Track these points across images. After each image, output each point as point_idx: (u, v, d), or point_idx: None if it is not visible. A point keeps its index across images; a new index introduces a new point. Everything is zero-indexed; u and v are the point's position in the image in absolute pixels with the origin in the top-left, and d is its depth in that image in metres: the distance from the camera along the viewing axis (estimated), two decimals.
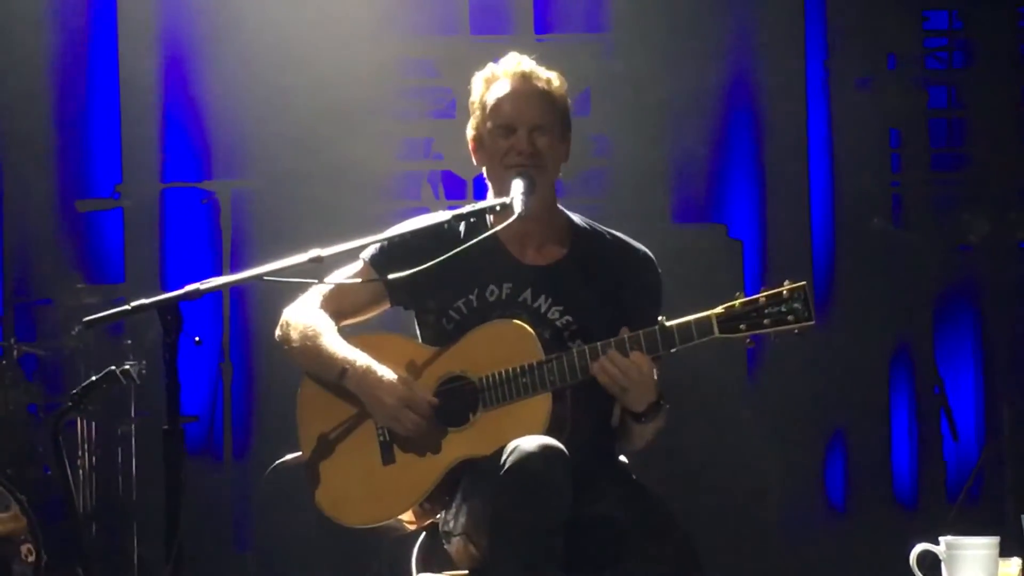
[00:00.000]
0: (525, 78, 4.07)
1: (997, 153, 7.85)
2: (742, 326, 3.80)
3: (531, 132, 4.03)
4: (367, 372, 3.98)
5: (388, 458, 4.01)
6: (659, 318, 3.86)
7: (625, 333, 3.85)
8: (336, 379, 4.02)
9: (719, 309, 3.82)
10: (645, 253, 4.18)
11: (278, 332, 4.18)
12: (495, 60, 4.15)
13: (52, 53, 7.88)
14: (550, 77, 4.10)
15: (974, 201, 7.82)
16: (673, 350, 3.85)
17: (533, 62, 4.12)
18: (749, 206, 7.97)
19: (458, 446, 3.94)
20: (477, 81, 4.13)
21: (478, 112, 4.11)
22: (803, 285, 3.79)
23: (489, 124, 4.07)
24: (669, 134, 7.83)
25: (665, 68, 7.54)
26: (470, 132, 4.14)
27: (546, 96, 4.07)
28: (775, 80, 7.93)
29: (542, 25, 7.98)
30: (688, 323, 3.82)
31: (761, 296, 3.79)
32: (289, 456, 4.16)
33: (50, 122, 7.90)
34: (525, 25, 7.91)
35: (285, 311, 4.18)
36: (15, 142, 7.78)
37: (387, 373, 3.98)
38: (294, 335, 4.11)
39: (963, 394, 8.03)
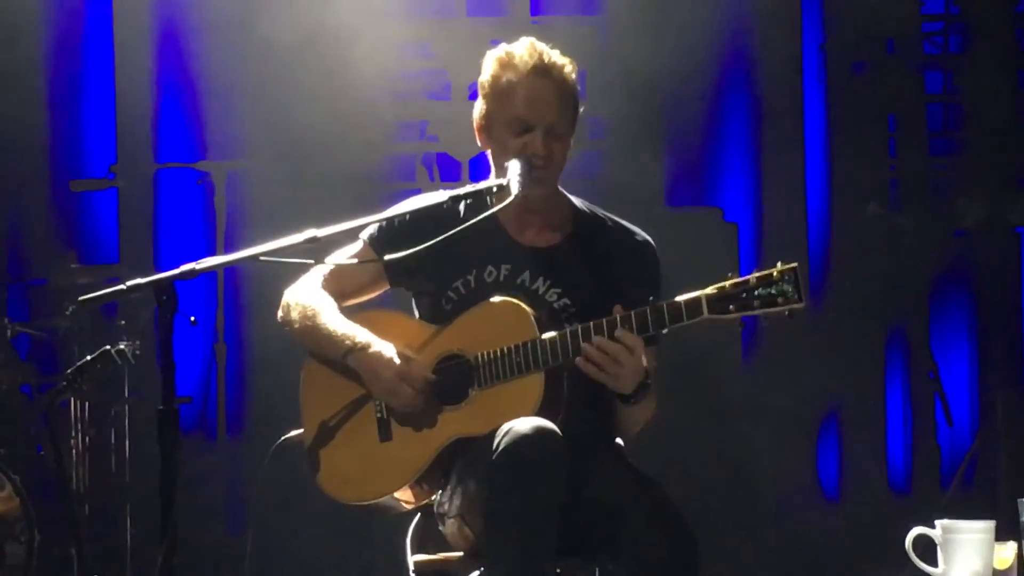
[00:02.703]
0: (543, 72, 3.99)
1: (993, 138, 7.84)
2: (732, 307, 3.76)
3: (547, 135, 3.99)
4: (366, 347, 3.99)
5: (385, 435, 4.02)
6: (650, 298, 3.85)
7: (618, 311, 3.84)
8: (336, 355, 4.03)
9: (710, 290, 3.79)
10: (645, 239, 4.16)
11: (280, 313, 4.18)
12: (494, 42, 4.11)
13: (46, 34, 7.85)
14: (564, 64, 4.03)
15: (970, 186, 7.81)
16: (664, 330, 3.82)
17: (547, 48, 4.03)
18: (744, 190, 7.97)
19: (453, 424, 3.94)
20: (489, 61, 4.05)
21: (488, 95, 4.05)
22: (794, 267, 3.74)
23: (501, 115, 4.01)
24: (664, 117, 7.82)
25: (660, 50, 7.51)
26: (477, 113, 4.08)
27: (562, 92, 4.01)
28: (771, 64, 7.91)
29: (537, 7, 7.96)
30: (678, 303, 3.80)
31: (752, 277, 3.76)
32: (292, 432, 4.17)
33: (44, 102, 7.88)
34: (521, 7, 7.89)
35: (286, 292, 4.18)
36: (9, 122, 7.75)
37: (386, 348, 3.98)
38: (295, 315, 4.12)
39: (957, 379, 8.03)
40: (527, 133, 3.99)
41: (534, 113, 3.99)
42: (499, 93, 4.02)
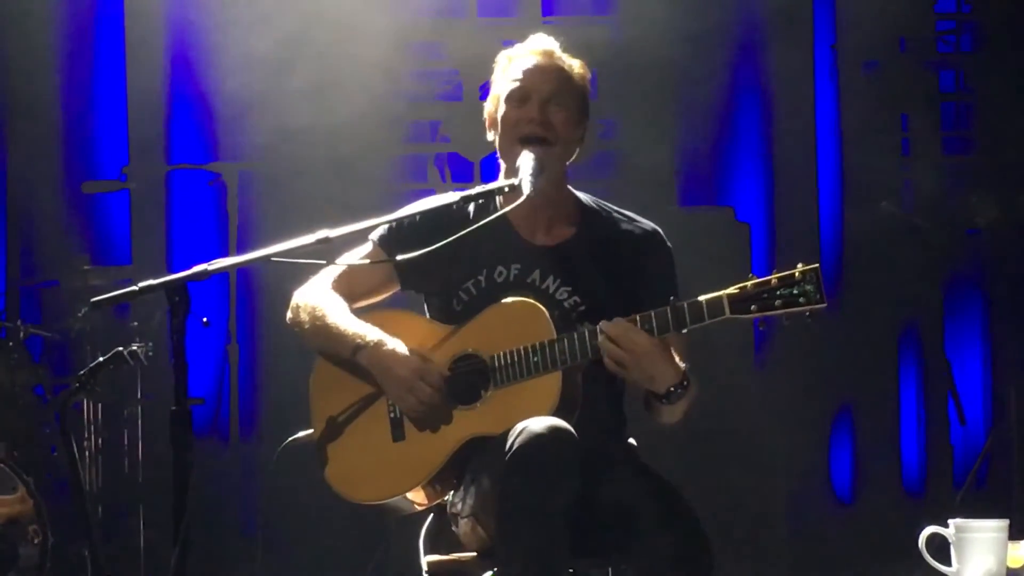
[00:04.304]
0: (546, 54, 4.08)
1: (1006, 137, 7.83)
2: (753, 307, 3.77)
3: (544, 103, 4.02)
4: (379, 345, 3.98)
5: (398, 435, 4.00)
6: (671, 298, 3.84)
7: (635, 317, 3.83)
8: (348, 355, 4.01)
9: (731, 289, 3.79)
10: (653, 228, 4.17)
11: (289, 315, 4.17)
12: (506, 42, 4.14)
13: (59, 36, 7.87)
14: (573, 64, 4.11)
15: (982, 185, 7.80)
16: (684, 330, 3.83)
17: (558, 45, 4.11)
18: (756, 189, 7.96)
19: (468, 424, 3.93)
20: (500, 59, 4.13)
21: (495, 84, 4.11)
22: (815, 267, 3.75)
23: (504, 92, 4.06)
24: (676, 117, 7.82)
25: (672, 51, 7.52)
26: (487, 108, 4.13)
27: (565, 73, 4.08)
28: (783, 63, 7.91)
29: (549, 7, 7.96)
30: (699, 303, 3.80)
31: (773, 277, 3.77)
32: (301, 433, 4.15)
33: (57, 104, 7.90)
34: (532, 7, 7.89)
35: (296, 293, 4.18)
36: (22, 124, 7.78)
37: (399, 346, 3.97)
38: (305, 316, 4.11)
39: (970, 378, 8.02)
40: (526, 104, 4.01)
41: (531, 82, 4.04)
42: (503, 75, 4.09)
